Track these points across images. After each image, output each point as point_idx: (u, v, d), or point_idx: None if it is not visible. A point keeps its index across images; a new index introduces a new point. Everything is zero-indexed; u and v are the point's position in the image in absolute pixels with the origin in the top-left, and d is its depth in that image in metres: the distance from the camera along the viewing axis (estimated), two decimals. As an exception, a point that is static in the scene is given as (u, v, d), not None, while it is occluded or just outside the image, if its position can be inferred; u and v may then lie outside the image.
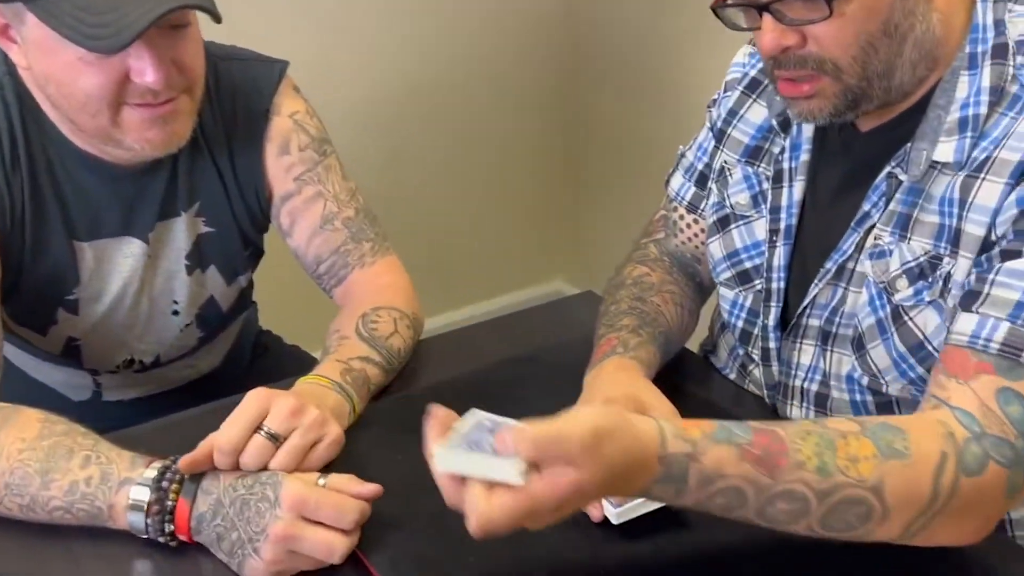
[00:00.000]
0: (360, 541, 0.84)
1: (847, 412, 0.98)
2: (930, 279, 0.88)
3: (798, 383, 1.01)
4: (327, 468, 0.90)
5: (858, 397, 0.97)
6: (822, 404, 1.00)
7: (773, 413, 1.07)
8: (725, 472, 0.70)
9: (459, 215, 2.43)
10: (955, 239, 0.86)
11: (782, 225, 1.01)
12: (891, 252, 0.90)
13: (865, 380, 0.94)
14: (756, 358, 1.07)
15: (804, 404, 1.01)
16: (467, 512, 0.68)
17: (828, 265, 0.95)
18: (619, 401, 0.90)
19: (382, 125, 2.23)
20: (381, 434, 0.99)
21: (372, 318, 1.11)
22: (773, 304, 1.03)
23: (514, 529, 0.67)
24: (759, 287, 1.04)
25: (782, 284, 1.02)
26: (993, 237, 0.83)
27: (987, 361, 0.79)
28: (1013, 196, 0.82)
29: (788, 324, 1.01)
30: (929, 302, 0.88)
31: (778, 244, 1.02)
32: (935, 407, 0.80)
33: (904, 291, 0.89)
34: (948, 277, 0.87)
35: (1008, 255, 0.82)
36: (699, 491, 0.70)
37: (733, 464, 0.70)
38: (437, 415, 0.73)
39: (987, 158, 0.84)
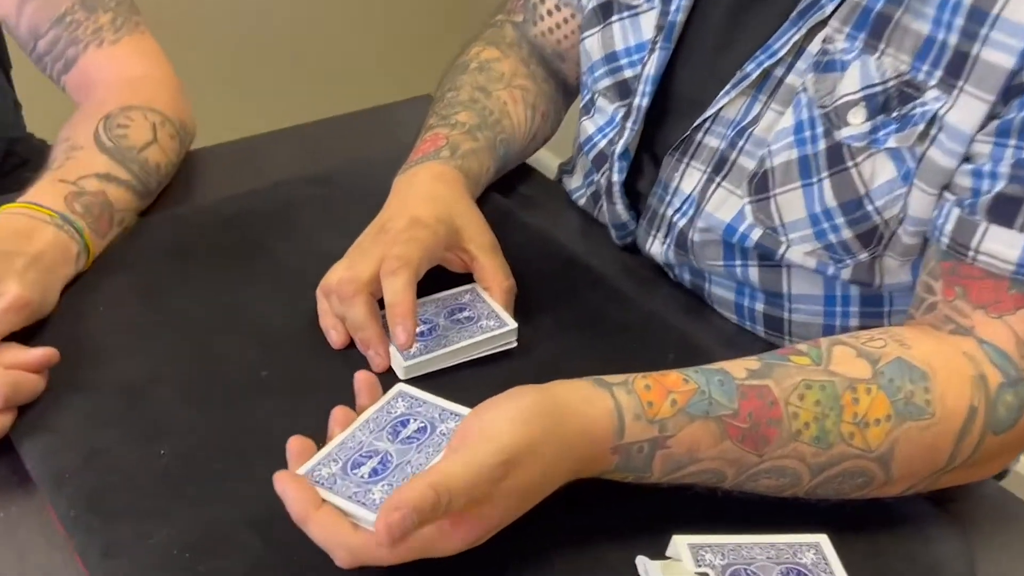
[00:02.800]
0: (16, 424, 0.60)
1: (715, 260, 0.74)
2: (895, 114, 0.63)
3: (669, 212, 0.76)
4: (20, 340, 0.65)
5: (737, 259, 0.74)
6: (683, 246, 0.76)
7: (623, 251, 0.84)
8: (700, 455, 0.55)
9: (328, 22, 2.10)
10: (954, 65, 0.60)
11: (667, 21, 0.75)
12: (846, 65, 0.64)
13: (756, 233, 0.70)
14: (603, 189, 0.82)
15: (667, 240, 0.77)
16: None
17: (749, 68, 0.69)
18: (429, 226, 0.70)
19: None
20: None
21: (120, 121, 0.82)
22: (629, 125, 0.77)
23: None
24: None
25: (645, 101, 0.76)
26: None
27: None
28: None
29: (669, 148, 0.76)
30: (889, 148, 0.64)
31: (657, 47, 0.75)
32: (955, 332, 0.61)
33: (856, 126, 0.65)
34: (934, 119, 0.61)
35: None
36: (666, 476, 0.56)
37: (711, 444, 0.55)
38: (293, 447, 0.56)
39: None
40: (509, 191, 0.89)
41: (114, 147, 0.80)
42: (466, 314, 0.69)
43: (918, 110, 0.62)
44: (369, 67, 2.27)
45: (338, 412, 0.57)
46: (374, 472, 0.52)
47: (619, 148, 0.78)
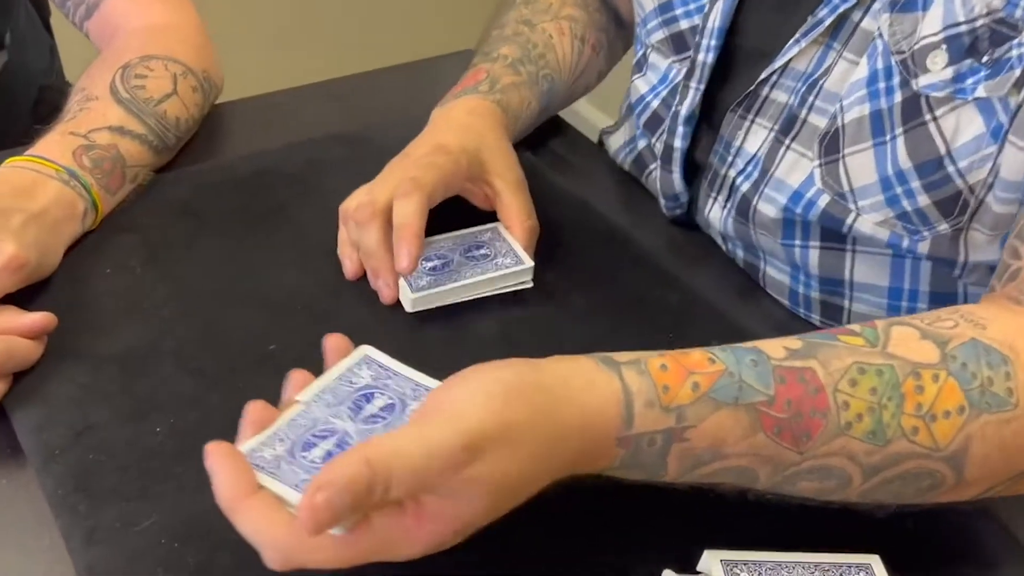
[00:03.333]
0: (9, 392, 0.57)
1: (774, 236, 0.68)
2: (985, 58, 0.56)
3: (732, 173, 0.70)
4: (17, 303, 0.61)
5: (797, 237, 0.67)
6: (744, 214, 0.70)
7: (672, 225, 0.78)
8: (726, 450, 0.46)
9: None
10: None
11: None
12: (928, 3, 0.58)
13: (823, 200, 0.63)
14: (657, 154, 0.76)
15: (728, 205, 0.71)
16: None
17: (822, 13, 0.63)
18: (452, 153, 0.67)
19: None
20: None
21: (139, 71, 0.78)
22: (693, 84, 0.71)
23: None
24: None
25: (710, 57, 0.70)
26: None
27: None
28: None
29: (726, 108, 0.69)
30: (977, 99, 0.56)
31: None
32: None
33: (937, 72, 0.57)
34: None
35: None
36: (683, 475, 0.47)
37: (740, 437, 0.46)
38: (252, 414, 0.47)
39: None
40: (544, 150, 0.84)
41: (130, 98, 0.76)
42: (483, 251, 0.67)
43: (1014, 52, 0.55)
44: (409, 18, 2.20)
45: (297, 376, 0.49)
46: (328, 456, 0.44)
47: (684, 111, 0.71)
